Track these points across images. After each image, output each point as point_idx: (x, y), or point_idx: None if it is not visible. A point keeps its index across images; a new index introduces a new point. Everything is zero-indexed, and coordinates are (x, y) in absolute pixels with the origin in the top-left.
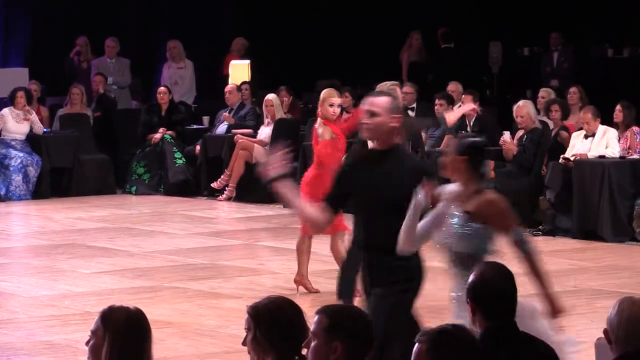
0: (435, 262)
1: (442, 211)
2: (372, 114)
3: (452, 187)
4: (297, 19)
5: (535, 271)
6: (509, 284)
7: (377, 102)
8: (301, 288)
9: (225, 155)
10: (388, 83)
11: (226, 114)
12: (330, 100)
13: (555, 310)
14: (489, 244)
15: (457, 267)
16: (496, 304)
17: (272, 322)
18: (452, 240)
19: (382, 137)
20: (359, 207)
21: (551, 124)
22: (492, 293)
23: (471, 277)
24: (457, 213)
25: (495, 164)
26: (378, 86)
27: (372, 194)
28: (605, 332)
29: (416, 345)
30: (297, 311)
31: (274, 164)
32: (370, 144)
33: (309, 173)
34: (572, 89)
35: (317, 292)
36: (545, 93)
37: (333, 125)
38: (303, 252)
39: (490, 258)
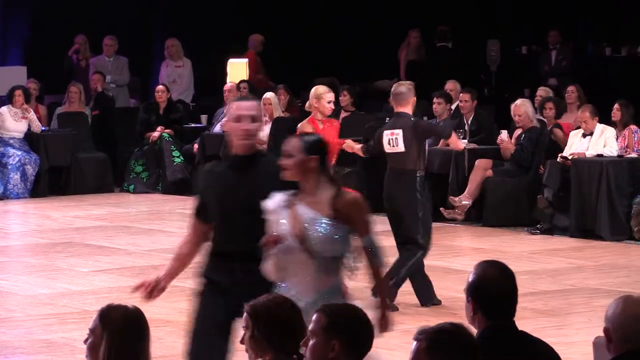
0: (434, 261)
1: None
2: (253, 119)
3: (277, 202)
4: (295, 17)
5: (377, 283)
6: (510, 283)
7: (255, 106)
8: None
9: (223, 154)
10: (407, 82)
11: (224, 122)
12: (328, 96)
13: (382, 323)
14: (350, 246)
15: (319, 272)
16: (498, 304)
17: (270, 320)
18: (322, 246)
19: (254, 142)
20: (217, 214)
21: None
22: (494, 292)
23: (472, 276)
24: (322, 218)
25: (493, 163)
26: (395, 85)
27: (230, 200)
28: (606, 330)
29: (415, 343)
30: (295, 310)
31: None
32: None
33: None
34: (570, 88)
35: None
36: (543, 92)
37: (324, 122)
38: None
39: (347, 259)
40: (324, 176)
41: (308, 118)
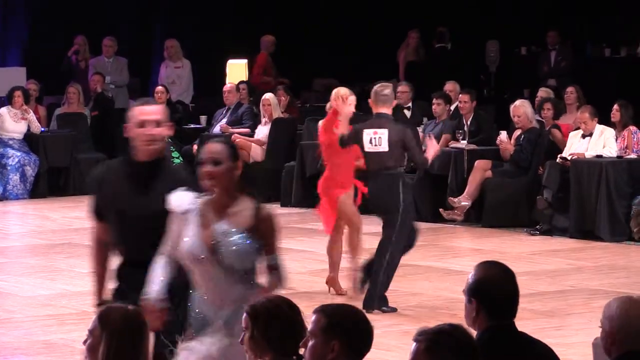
0: (433, 262)
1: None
2: (157, 123)
3: (187, 200)
4: (294, 18)
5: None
6: (513, 284)
7: (159, 110)
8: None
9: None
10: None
11: (224, 124)
12: (350, 99)
13: None
14: (258, 260)
15: (231, 284)
16: (501, 304)
17: (270, 321)
18: (235, 260)
19: (160, 148)
20: (116, 221)
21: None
22: (498, 293)
23: (474, 277)
24: (237, 231)
25: (492, 164)
26: (378, 86)
27: (131, 206)
28: (606, 331)
29: (414, 344)
30: (295, 311)
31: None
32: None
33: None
34: (570, 89)
35: (344, 294)
36: (544, 93)
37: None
38: (333, 254)
39: (255, 274)
40: (241, 186)
41: (326, 119)
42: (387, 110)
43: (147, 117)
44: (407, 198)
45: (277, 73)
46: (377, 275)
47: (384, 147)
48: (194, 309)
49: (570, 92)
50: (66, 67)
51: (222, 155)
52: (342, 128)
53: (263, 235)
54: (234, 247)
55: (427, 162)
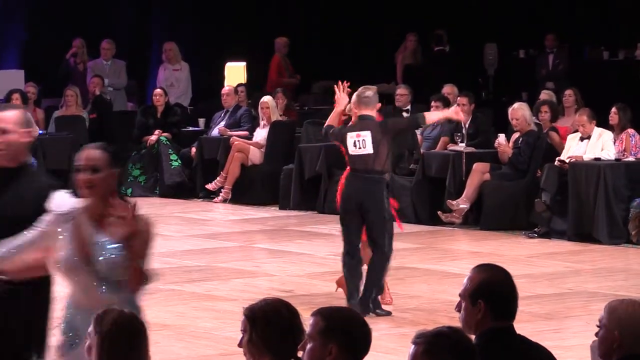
0: (431, 265)
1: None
2: (3, 131)
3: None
4: (292, 20)
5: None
6: (514, 287)
7: (6, 117)
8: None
9: (221, 157)
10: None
11: (222, 127)
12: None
13: None
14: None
15: (105, 294)
16: (507, 306)
17: (268, 324)
18: (110, 270)
19: (13, 154)
20: None
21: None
22: (505, 295)
23: (480, 279)
24: (112, 241)
25: (490, 166)
26: (361, 89)
27: None
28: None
29: (412, 347)
30: (293, 313)
31: None
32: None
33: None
34: (568, 92)
35: None
36: (546, 95)
37: None
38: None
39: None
40: (117, 194)
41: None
42: (371, 112)
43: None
44: (388, 206)
45: (293, 73)
46: (374, 279)
47: (369, 149)
48: (67, 318)
49: (569, 95)
50: (64, 70)
51: (100, 162)
52: None
53: (137, 245)
54: (109, 258)
55: (423, 118)
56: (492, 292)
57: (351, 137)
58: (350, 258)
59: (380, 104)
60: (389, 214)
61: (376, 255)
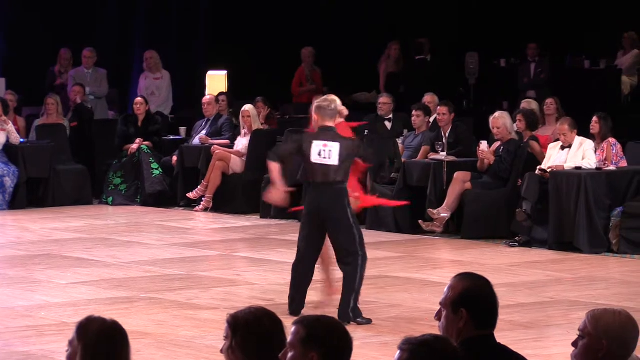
0: (412, 273)
1: None
2: None
3: None
4: (273, 29)
5: None
6: (495, 295)
7: None
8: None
9: (202, 166)
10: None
11: (203, 136)
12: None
13: None
14: None
15: None
16: (490, 314)
17: (250, 332)
18: None
19: None
20: None
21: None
22: (487, 303)
23: (462, 287)
24: None
25: (471, 175)
26: (322, 99)
27: None
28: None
29: (398, 352)
30: (275, 322)
31: None
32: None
33: None
34: (549, 100)
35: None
36: (526, 104)
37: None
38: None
39: None
40: None
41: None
42: (332, 124)
43: None
44: (352, 212)
45: (319, 82)
46: (352, 286)
47: (334, 160)
48: None
49: (550, 104)
50: (51, 82)
51: None
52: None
53: None
54: None
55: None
56: (474, 300)
57: (317, 145)
58: (297, 266)
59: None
60: (354, 218)
61: (351, 263)
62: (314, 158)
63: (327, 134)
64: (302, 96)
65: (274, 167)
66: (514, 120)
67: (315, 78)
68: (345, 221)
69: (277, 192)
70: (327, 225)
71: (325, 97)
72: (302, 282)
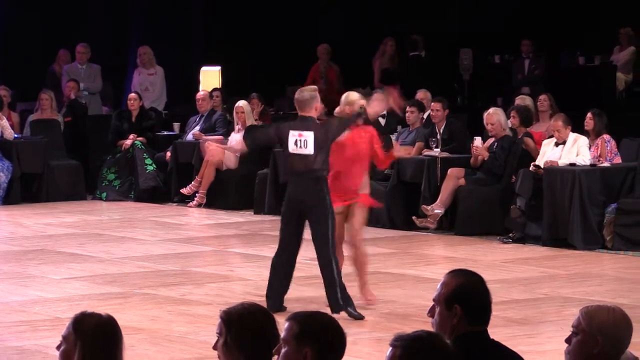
0: (406, 270)
1: None
2: None
3: None
4: (267, 24)
5: None
6: (488, 292)
7: None
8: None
9: (196, 162)
10: (310, 87)
11: (197, 131)
12: (360, 103)
13: None
14: None
15: None
16: (483, 310)
17: (243, 327)
18: None
19: None
20: None
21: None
22: (480, 299)
23: (455, 284)
24: None
25: (465, 171)
26: (298, 91)
27: None
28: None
29: (390, 349)
30: (268, 317)
31: None
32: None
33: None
34: (542, 97)
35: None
36: (520, 100)
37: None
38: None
39: None
40: None
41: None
42: (310, 114)
43: None
44: (330, 202)
45: (335, 79)
46: (332, 276)
47: (310, 150)
48: None
49: (544, 100)
50: (52, 81)
51: None
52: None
53: None
54: None
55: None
56: (468, 297)
57: (293, 135)
58: (279, 258)
59: (321, 105)
60: (331, 208)
61: (325, 256)
62: (291, 148)
63: (303, 124)
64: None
65: (242, 146)
66: (508, 117)
67: (330, 75)
68: (324, 209)
69: (218, 149)
70: (307, 215)
71: (301, 88)
72: (283, 273)
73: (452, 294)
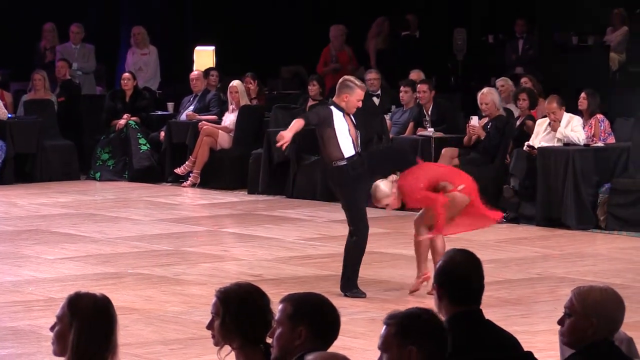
0: (400, 249)
1: None
2: None
3: None
4: (261, 4)
5: None
6: (477, 271)
7: None
8: None
9: (190, 142)
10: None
11: (190, 112)
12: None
13: None
14: None
15: None
16: (463, 290)
17: (241, 307)
18: None
19: None
20: None
21: (517, 112)
22: (460, 279)
23: (440, 262)
24: None
25: (459, 152)
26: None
27: None
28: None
29: (384, 327)
30: (264, 298)
31: None
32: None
33: None
34: (524, 79)
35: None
36: (502, 82)
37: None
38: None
39: None
40: None
41: None
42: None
43: None
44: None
45: (346, 60)
46: (347, 261)
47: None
48: None
49: (524, 83)
50: (40, 59)
51: None
52: None
53: None
54: None
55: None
56: (446, 277)
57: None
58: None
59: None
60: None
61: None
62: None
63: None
64: (327, 75)
65: (298, 122)
66: (516, 99)
67: (342, 57)
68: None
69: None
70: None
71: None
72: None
73: (435, 275)
